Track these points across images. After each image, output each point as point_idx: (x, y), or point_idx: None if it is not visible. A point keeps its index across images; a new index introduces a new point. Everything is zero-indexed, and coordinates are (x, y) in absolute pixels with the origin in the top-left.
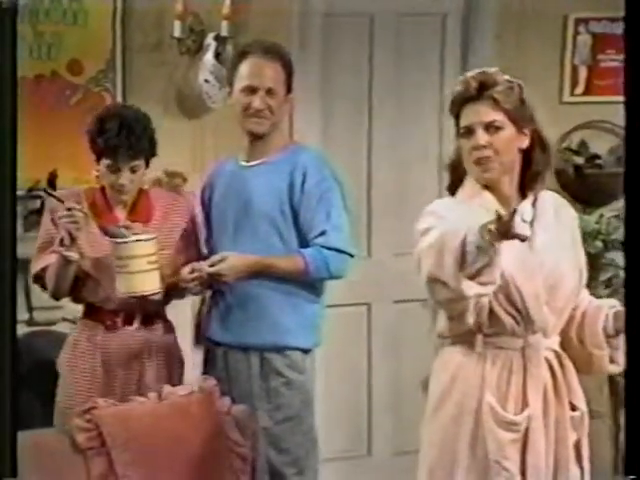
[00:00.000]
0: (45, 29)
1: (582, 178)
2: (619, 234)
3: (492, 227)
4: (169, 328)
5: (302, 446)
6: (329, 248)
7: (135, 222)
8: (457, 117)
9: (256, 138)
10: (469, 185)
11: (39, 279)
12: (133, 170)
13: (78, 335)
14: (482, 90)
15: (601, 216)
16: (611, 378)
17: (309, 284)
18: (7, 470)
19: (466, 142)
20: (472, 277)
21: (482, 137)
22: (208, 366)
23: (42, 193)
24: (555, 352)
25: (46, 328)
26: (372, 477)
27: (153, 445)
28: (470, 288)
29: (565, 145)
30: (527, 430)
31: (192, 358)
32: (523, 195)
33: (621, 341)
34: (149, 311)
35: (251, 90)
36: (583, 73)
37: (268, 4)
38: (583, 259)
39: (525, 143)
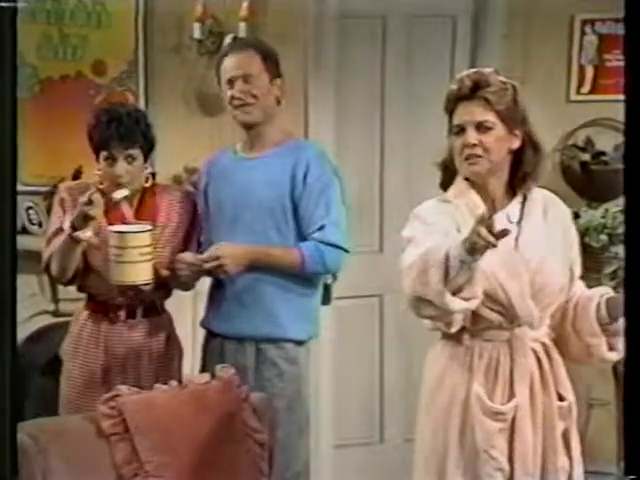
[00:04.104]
0: (70, 31)
1: (588, 174)
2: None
3: (474, 238)
4: (169, 320)
5: (291, 435)
6: (326, 243)
7: (142, 220)
8: (451, 115)
9: (252, 129)
10: (458, 183)
11: (46, 265)
12: (128, 161)
13: (82, 325)
14: (475, 90)
15: (606, 211)
16: (615, 367)
17: (304, 277)
18: (7, 470)
19: (457, 140)
20: (454, 293)
21: (472, 136)
22: (206, 355)
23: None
24: (542, 343)
25: (71, 319)
26: (384, 463)
27: (174, 431)
28: (456, 304)
29: (571, 142)
30: (514, 419)
31: (192, 346)
32: (512, 194)
33: (619, 327)
34: (150, 304)
35: (231, 83)
36: (589, 72)
37: (284, 6)
38: (576, 255)
39: (516, 144)
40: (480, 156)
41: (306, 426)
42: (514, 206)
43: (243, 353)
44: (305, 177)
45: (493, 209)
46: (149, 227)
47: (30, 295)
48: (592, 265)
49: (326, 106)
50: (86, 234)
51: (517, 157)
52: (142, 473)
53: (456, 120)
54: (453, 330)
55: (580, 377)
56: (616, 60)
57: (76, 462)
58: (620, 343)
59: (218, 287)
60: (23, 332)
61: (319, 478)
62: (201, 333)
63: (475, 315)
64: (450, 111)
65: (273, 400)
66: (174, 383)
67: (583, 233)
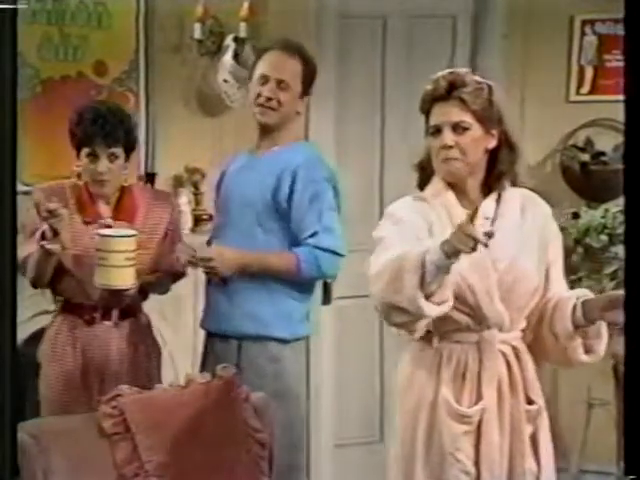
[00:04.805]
0: (71, 31)
1: (588, 174)
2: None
3: (456, 243)
4: (147, 321)
5: (272, 435)
6: (321, 248)
7: (120, 221)
8: (427, 116)
9: (265, 131)
10: (435, 183)
11: (21, 267)
12: (111, 159)
13: (58, 327)
14: (451, 90)
15: (606, 211)
16: (615, 366)
17: (295, 280)
18: (7, 470)
19: (434, 141)
20: (427, 297)
21: (449, 137)
22: (204, 355)
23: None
24: (513, 347)
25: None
26: (384, 462)
27: (175, 431)
28: (431, 309)
29: (571, 142)
30: (480, 422)
31: (192, 346)
32: (488, 193)
33: (597, 329)
34: (127, 306)
35: (264, 79)
36: (589, 73)
37: (284, 6)
38: (554, 256)
39: (492, 144)
40: (457, 158)
41: (295, 424)
42: (488, 204)
43: (227, 351)
44: (293, 183)
45: (469, 208)
46: (134, 232)
47: (30, 295)
48: (592, 265)
49: (326, 106)
50: (55, 246)
51: (493, 156)
52: (143, 473)
53: (432, 121)
54: (416, 337)
55: (580, 377)
56: (616, 60)
57: (77, 461)
58: (598, 345)
59: (209, 286)
60: (23, 332)
61: (319, 478)
62: (201, 333)
63: (444, 316)
64: (426, 112)
65: None
66: (174, 383)
67: (583, 233)
